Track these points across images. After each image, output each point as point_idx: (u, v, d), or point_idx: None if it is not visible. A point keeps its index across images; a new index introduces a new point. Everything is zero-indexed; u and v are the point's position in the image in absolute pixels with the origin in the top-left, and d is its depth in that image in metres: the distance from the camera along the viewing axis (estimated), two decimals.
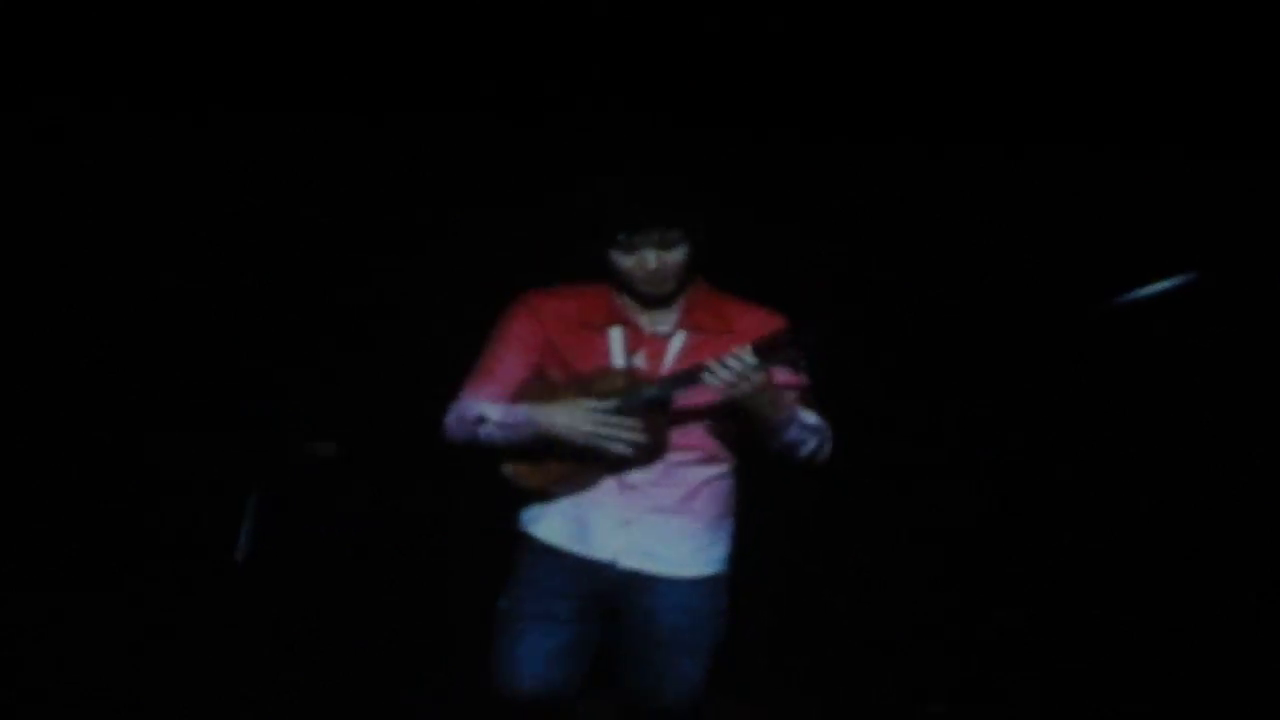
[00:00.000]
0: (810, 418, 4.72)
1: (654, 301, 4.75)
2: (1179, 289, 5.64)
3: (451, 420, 4.81)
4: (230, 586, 5.88)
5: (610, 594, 4.75)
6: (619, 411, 4.64)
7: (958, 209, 5.98)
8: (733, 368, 4.51)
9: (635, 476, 4.74)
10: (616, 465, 4.71)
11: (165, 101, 5.90)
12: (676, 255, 4.67)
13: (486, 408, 4.75)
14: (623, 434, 4.64)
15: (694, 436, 4.75)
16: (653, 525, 4.74)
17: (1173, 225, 5.84)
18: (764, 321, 4.75)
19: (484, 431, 4.75)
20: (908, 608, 6.10)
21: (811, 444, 4.71)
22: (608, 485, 4.75)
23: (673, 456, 4.73)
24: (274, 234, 6.07)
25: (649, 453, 4.70)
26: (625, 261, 4.68)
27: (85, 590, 5.96)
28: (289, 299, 6.08)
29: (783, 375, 4.68)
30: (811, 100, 5.87)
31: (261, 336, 6.08)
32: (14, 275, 6.00)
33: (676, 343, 4.77)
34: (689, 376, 4.60)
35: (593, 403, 4.64)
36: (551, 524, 4.78)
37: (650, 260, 4.66)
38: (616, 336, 4.77)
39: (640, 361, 4.75)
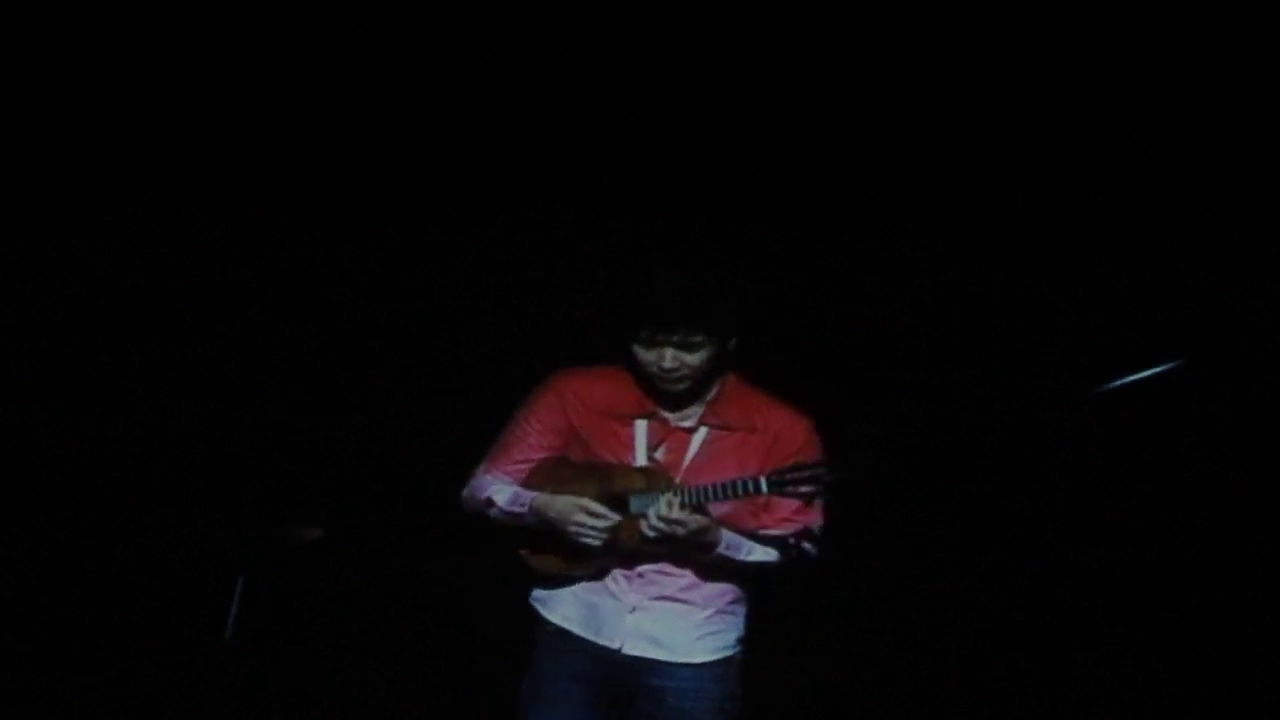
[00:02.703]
0: (757, 557, 4.78)
1: (671, 397, 4.78)
2: (1167, 375, 5.70)
3: (466, 495, 4.92)
4: (220, 668, 5.84)
5: (621, 679, 4.83)
6: (626, 512, 4.71)
7: (957, 299, 6.05)
8: (659, 520, 4.63)
9: (643, 564, 4.80)
10: (624, 553, 4.77)
11: (181, 192, 5.95)
12: (697, 357, 4.71)
13: (496, 490, 4.83)
14: (603, 534, 4.71)
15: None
16: (659, 613, 4.82)
17: (1159, 313, 5.93)
18: (790, 424, 4.82)
19: (491, 513, 4.85)
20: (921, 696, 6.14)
21: (755, 584, 4.84)
22: (617, 572, 4.81)
23: (670, 553, 4.78)
24: (266, 316, 6.09)
25: (645, 549, 4.76)
26: (645, 355, 4.73)
27: (75, 670, 5.96)
28: (280, 382, 6.09)
29: (780, 513, 4.78)
30: (849, 200, 5.94)
31: (253, 418, 6.09)
32: (11, 353, 5.99)
33: (698, 438, 4.82)
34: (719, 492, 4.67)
35: (589, 503, 4.71)
36: (563, 607, 4.86)
37: (667, 359, 4.70)
38: (642, 429, 4.83)
39: (662, 455, 4.80)
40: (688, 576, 4.81)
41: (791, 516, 4.80)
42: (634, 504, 4.71)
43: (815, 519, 4.81)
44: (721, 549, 4.73)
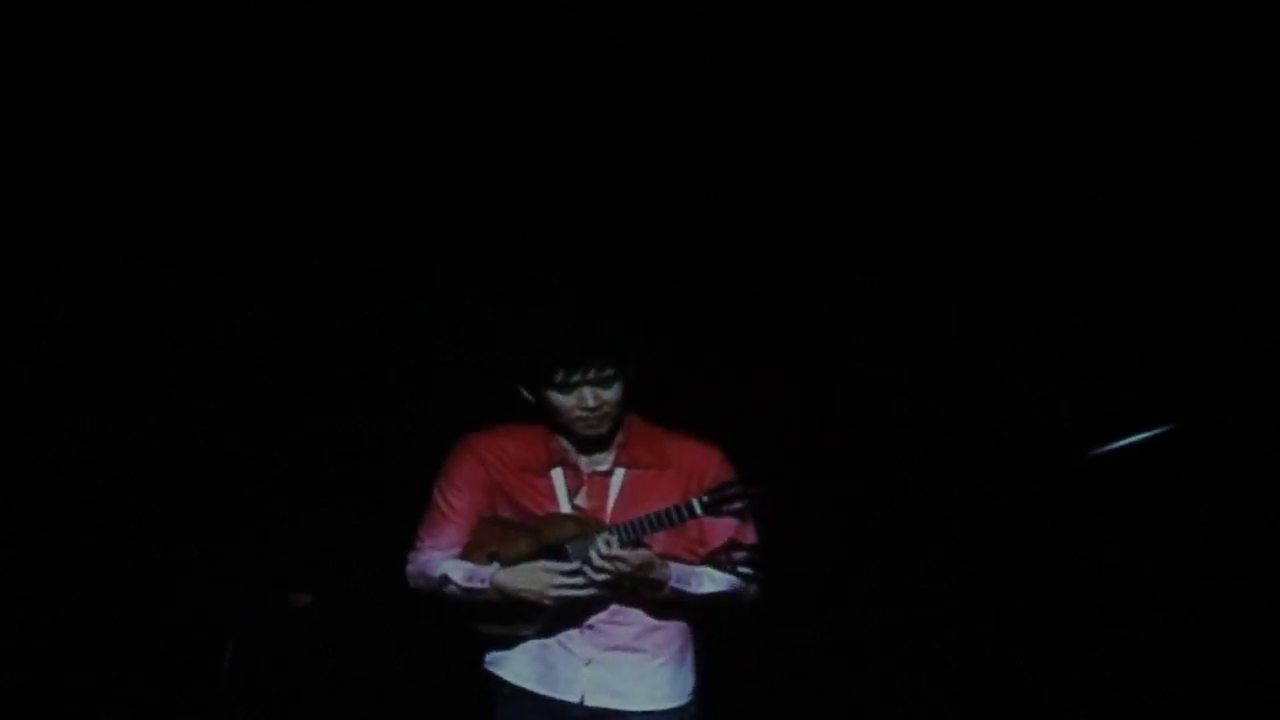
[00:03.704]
0: (708, 589, 4.79)
1: (590, 442, 4.79)
2: (1156, 440, 5.64)
3: (413, 571, 4.94)
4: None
5: None
6: (579, 559, 4.71)
7: (911, 358, 6.01)
8: (601, 561, 4.65)
9: (594, 616, 4.81)
10: (573, 608, 4.78)
11: (167, 256, 5.97)
12: (613, 392, 4.74)
13: (449, 567, 4.85)
14: (587, 590, 4.72)
15: None
16: (614, 663, 4.84)
17: (1148, 378, 5.87)
18: (700, 454, 4.85)
19: (448, 590, 4.86)
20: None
21: (706, 623, 4.86)
22: (568, 626, 4.82)
23: (627, 595, 4.79)
24: (249, 384, 6.08)
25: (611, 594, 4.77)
26: (565, 401, 4.73)
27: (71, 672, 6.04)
28: (265, 448, 6.09)
29: (716, 541, 4.78)
30: (763, 244, 5.89)
31: (240, 485, 6.10)
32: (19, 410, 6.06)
33: (617, 480, 4.84)
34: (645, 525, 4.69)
35: (551, 563, 4.72)
36: (519, 666, 4.88)
37: (589, 398, 4.72)
38: (559, 478, 4.84)
39: (583, 501, 4.82)
40: (637, 625, 4.84)
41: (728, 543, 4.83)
42: (571, 551, 4.73)
43: (751, 540, 4.83)
44: (674, 583, 4.76)
